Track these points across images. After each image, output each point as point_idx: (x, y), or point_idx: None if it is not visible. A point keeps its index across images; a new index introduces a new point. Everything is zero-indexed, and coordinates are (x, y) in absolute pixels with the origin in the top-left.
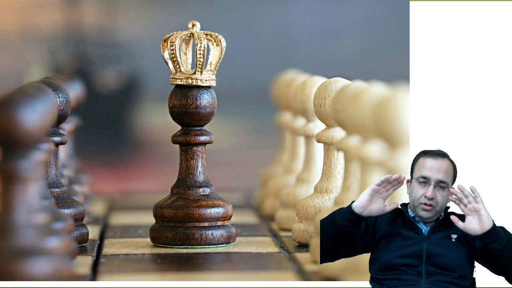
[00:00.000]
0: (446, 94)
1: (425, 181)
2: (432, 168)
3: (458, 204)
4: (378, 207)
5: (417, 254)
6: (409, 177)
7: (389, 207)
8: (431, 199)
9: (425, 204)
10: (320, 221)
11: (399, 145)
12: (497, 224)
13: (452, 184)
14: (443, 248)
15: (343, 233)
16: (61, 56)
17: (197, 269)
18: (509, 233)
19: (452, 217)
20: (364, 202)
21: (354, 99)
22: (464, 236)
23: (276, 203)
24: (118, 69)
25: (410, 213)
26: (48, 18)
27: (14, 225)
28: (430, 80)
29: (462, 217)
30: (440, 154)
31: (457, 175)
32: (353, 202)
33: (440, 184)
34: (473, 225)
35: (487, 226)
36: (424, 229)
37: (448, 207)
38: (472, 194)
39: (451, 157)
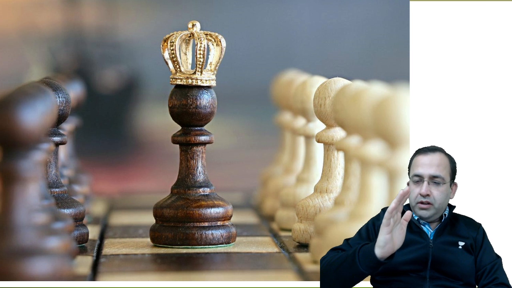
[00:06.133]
0: (446, 94)
1: (418, 179)
2: (423, 164)
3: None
4: (400, 237)
5: (422, 260)
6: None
7: (404, 221)
8: (427, 195)
9: (421, 203)
10: (326, 264)
11: (399, 145)
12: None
13: (453, 180)
14: (450, 255)
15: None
16: (61, 56)
17: (197, 269)
18: None
19: None
20: (389, 249)
21: (354, 99)
22: (471, 244)
23: (276, 203)
24: (118, 69)
25: (415, 216)
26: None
27: (14, 225)
28: (430, 80)
29: (464, 219)
30: (431, 149)
31: (457, 170)
32: (365, 245)
33: (434, 180)
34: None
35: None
36: (430, 232)
37: (454, 207)
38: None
39: (446, 151)
